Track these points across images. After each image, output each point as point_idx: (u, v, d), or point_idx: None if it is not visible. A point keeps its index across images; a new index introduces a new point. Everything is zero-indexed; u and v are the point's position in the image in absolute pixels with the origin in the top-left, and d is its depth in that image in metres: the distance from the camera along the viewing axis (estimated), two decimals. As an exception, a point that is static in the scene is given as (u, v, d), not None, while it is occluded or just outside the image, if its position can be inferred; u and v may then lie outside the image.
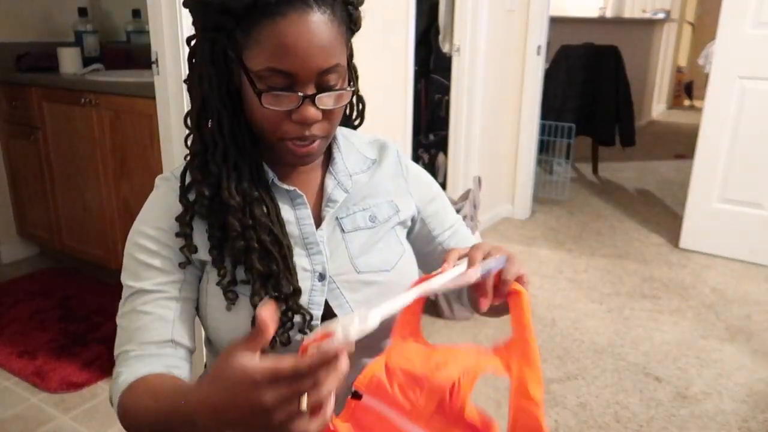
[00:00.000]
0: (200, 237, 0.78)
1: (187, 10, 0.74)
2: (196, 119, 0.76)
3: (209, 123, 0.76)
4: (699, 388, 1.95)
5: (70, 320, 2.28)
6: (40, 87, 2.42)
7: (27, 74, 2.52)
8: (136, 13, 2.76)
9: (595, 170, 4.57)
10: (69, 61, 2.53)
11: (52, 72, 2.58)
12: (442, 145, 3.21)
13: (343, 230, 0.83)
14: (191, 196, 0.77)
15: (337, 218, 0.83)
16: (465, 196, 2.42)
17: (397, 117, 2.50)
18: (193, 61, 0.77)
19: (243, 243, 0.75)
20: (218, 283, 0.77)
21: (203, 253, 0.78)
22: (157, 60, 1.58)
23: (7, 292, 2.53)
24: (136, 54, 2.68)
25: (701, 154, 3.00)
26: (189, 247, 0.77)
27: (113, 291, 2.51)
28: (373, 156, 0.88)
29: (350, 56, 0.80)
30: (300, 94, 0.70)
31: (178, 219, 0.78)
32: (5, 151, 2.74)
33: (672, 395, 1.91)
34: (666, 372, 2.04)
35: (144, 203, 0.86)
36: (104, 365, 1.99)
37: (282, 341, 0.76)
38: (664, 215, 3.65)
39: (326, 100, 0.72)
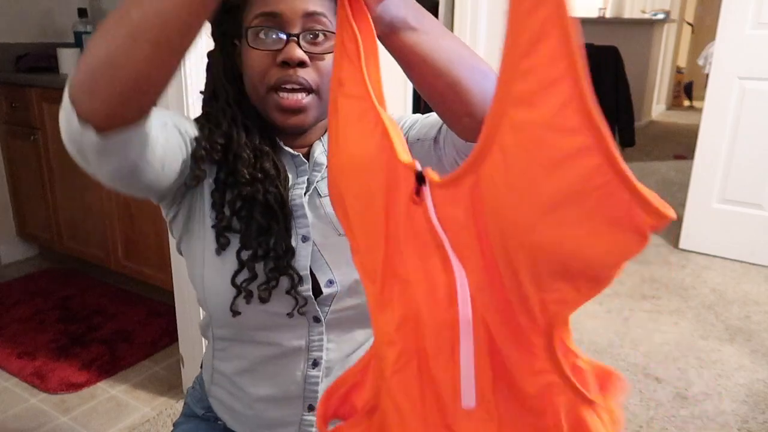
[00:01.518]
0: (206, 182, 0.80)
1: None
2: (208, 103, 0.81)
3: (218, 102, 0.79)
4: (699, 388, 1.95)
5: (69, 321, 2.28)
6: (40, 88, 2.42)
7: (27, 75, 2.52)
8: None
9: (594, 171, 4.56)
10: (69, 61, 2.53)
11: (52, 73, 2.58)
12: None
13: (320, 195, 0.83)
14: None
15: (315, 184, 0.83)
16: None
17: (396, 117, 2.50)
18: (210, 64, 0.82)
19: (249, 190, 0.76)
20: (213, 226, 0.78)
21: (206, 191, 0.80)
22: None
23: (7, 292, 2.53)
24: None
25: (701, 155, 3.00)
26: (193, 175, 0.76)
27: (113, 292, 2.52)
28: None
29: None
30: (285, 34, 0.73)
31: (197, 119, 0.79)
32: (5, 151, 2.74)
33: (672, 396, 1.91)
34: (666, 372, 2.04)
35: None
36: (104, 366, 1.99)
37: (262, 297, 0.76)
38: (663, 216, 3.65)
39: (312, 44, 0.74)
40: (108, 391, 1.88)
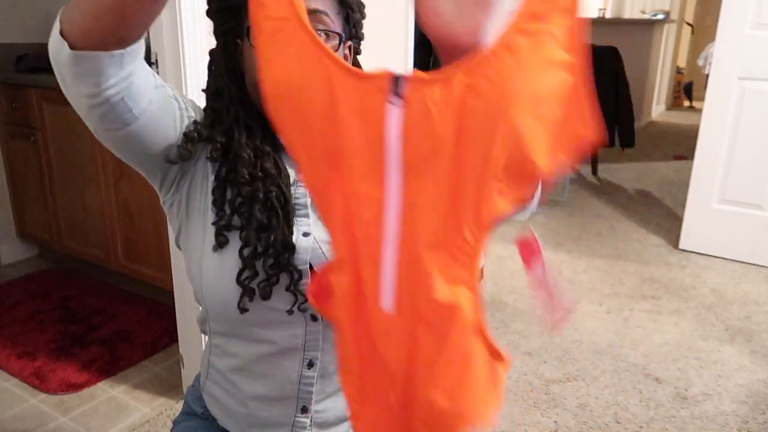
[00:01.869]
0: (207, 178, 0.81)
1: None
2: (210, 101, 0.81)
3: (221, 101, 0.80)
4: (699, 389, 1.95)
5: (69, 321, 2.28)
6: (40, 88, 2.42)
7: (27, 75, 2.52)
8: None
9: (594, 171, 4.57)
10: (68, 62, 2.53)
11: (52, 73, 2.57)
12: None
13: None
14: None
15: None
16: (465, 197, 2.42)
17: (396, 118, 2.50)
18: (211, 63, 0.82)
19: (249, 189, 0.77)
20: (214, 223, 0.78)
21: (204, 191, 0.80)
22: (156, 61, 1.58)
23: (7, 293, 2.53)
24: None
25: (701, 155, 3.00)
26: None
27: (113, 292, 2.52)
28: None
29: (352, 25, 0.82)
30: None
31: (185, 135, 0.78)
32: (5, 152, 2.74)
33: (672, 396, 1.91)
34: (666, 373, 2.04)
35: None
36: (104, 366, 1.99)
37: (262, 295, 0.77)
38: (663, 216, 3.66)
39: None
40: (108, 392, 1.88)
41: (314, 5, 0.73)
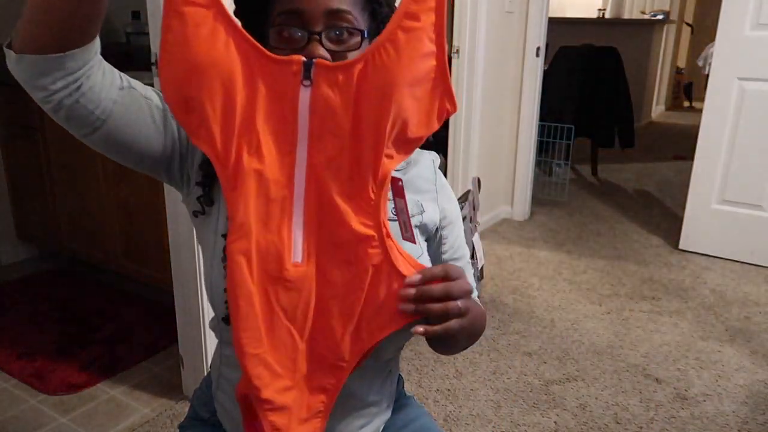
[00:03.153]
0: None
1: None
2: None
3: None
4: (699, 389, 1.95)
5: (69, 322, 2.28)
6: (40, 88, 2.42)
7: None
8: (136, 15, 2.76)
9: (594, 171, 4.57)
10: (68, 62, 2.53)
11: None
12: (441, 146, 3.21)
13: None
14: None
15: None
16: (464, 198, 2.42)
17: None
18: None
19: None
20: (224, 235, 0.77)
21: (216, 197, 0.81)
22: (156, 61, 1.58)
23: (6, 293, 2.53)
24: (135, 55, 2.68)
25: (701, 156, 3.00)
26: (205, 197, 0.80)
27: (113, 292, 2.51)
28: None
29: (380, 20, 0.81)
30: (307, 32, 0.73)
31: (202, 166, 0.79)
32: (4, 152, 2.74)
33: (672, 397, 1.91)
34: (666, 373, 2.04)
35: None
36: (104, 367, 1.99)
37: None
38: (663, 216, 3.66)
39: (336, 42, 0.74)
40: (108, 392, 1.88)
41: (335, 5, 0.72)
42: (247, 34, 0.66)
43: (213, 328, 0.90)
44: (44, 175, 2.57)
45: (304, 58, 0.67)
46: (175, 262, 1.73)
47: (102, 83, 0.70)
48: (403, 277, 0.68)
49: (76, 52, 0.65)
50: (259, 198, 0.68)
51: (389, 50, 0.65)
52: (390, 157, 0.68)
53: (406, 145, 0.69)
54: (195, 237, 1.62)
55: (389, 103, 0.65)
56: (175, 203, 1.66)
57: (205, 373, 1.74)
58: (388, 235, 0.70)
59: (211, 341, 1.74)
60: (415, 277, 0.68)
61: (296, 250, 0.69)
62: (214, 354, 0.93)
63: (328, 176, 0.68)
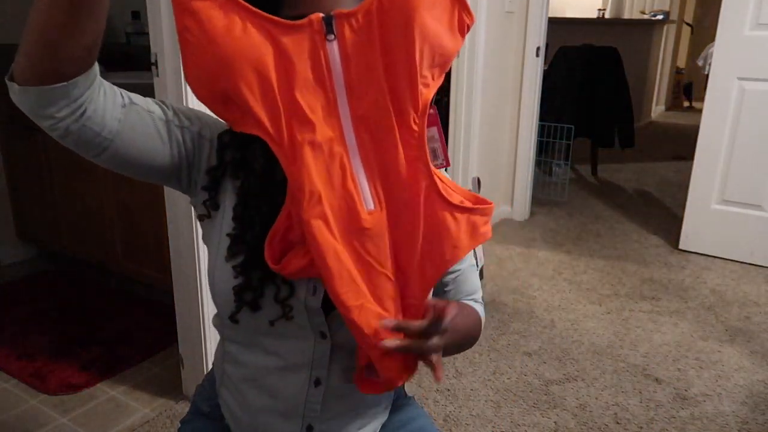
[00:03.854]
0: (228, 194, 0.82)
1: None
2: None
3: None
4: (699, 389, 1.95)
5: (69, 322, 2.28)
6: (40, 88, 2.42)
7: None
8: (136, 15, 2.76)
9: (594, 171, 4.57)
10: (68, 62, 2.53)
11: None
12: (441, 146, 3.21)
13: None
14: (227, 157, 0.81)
15: None
16: (464, 198, 2.42)
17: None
18: None
19: (256, 203, 0.78)
20: (228, 235, 0.79)
21: (228, 207, 0.81)
22: (156, 61, 1.58)
23: (6, 293, 2.53)
24: (135, 55, 2.69)
25: (700, 156, 3.00)
26: (210, 202, 0.81)
27: (112, 293, 2.52)
28: None
29: None
30: None
31: (209, 172, 0.80)
32: (5, 152, 2.74)
33: (672, 397, 1.91)
34: (665, 373, 2.04)
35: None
36: (104, 367, 1.99)
37: (252, 306, 0.78)
38: (663, 216, 3.66)
39: None
40: (107, 392, 1.88)
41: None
42: (258, 11, 0.66)
43: (216, 324, 0.91)
44: (44, 175, 2.57)
45: (322, 14, 0.67)
46: (175, 263, 1.73)
47: (105, 104, 0.70)
48: (449, 204, 0.72)
49: (78, 80, 0.65)
50: (318, 163, 0.69)
51: None
52: (426, 84, 0.69)
53: (438, 67, 0.70)
54: (195, 237, 1.62)
55: (412, 30, 0.66)
56: (175, 203, 1.66)
57: (205, 372, 1.75)
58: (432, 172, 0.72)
59: (210, 341, 1.74)
60: (391, 323, 0.69)
61: (366, 198, 0.71)
62: (217, 351, 0.93)
63: (374, 120, 0.70)
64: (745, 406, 1.87)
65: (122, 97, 0.73)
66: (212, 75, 0.67)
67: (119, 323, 2.27)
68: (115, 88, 0.73)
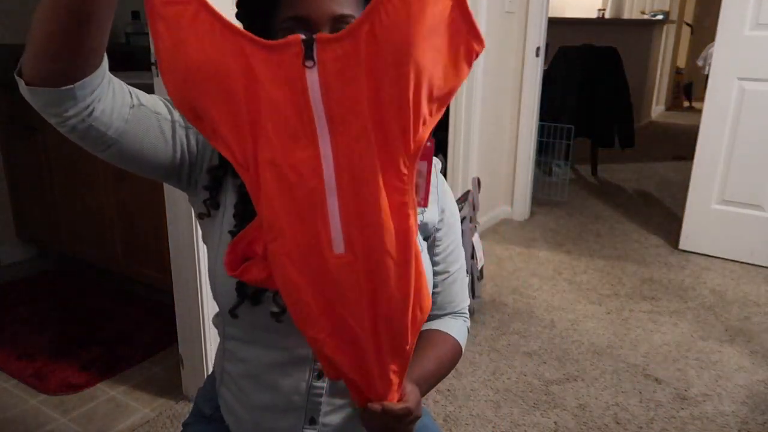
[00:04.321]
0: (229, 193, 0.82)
1: None
2: None
3: None
4: (699, 389, 1.95)
5: (69, 322, 2.28)
6: (40, 88, 2.41)
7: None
8: (136, 15, 2.76)
9: (594, 172, 4.57)
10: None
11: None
12: (441, 146, 3.21)
13: None
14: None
15: None
16: (464, 198, 2.42)
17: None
18: None
19: None
20: (230, 232, 0.80)
21: (228, 207, 0.82)
22: (156, 61, 1.58)
23: (6, 293, 2.53)
24: (135, 55, 2.68)
25: (700, 156, 3.00)
26: (211, 201, 0.81)
27: (112, 292, 2.51)
28: None
29: None
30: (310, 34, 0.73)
31: (210, 171, 0.81)
32: (5, 152, 2.74)
33: (671, 397, 1.91)
34: (665, 373, 2.04)
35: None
36: (104, 367, 1.99)
37: (252, 300, 0.79)
38: (663, 217, 3.66)
39: None
40: (107, 392, 1.88)
41: (340, 10, 0.72)
42: (233, 26, 0.61)
43: (216, 323, 0.91)
44: (44, 175, 2.57)
45: (303, 36, 0.61)
46: (175, 263, 1.73)
47: (113, 105, 0.70)
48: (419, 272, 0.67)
49: (85, 81, 0.65)
50: (283, 195, 0.64)
51: (396, 4, 0.57)
52: (424, 122, 0.62)
53: (437, 102, 0.62)
54: (195, 237, 1.62)
55: (407, 64, 0.58)
56: (175, 203, 1.66)
57: (205, 373, 1.75)
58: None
59: (210, 341, 1.74)
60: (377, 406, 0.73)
61: (336, 241, 0.65)
62: (217, 350, 0.93)
63: (357, 159, 0.62)
64: (745, 406, 1.87)
65: (131, 97, 0.73)
66: (182, 86, 0.62)
67: (119, 323, 2.27)
68: (125, 87, 0.73)
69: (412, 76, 0.58)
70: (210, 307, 1.70)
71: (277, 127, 0.62)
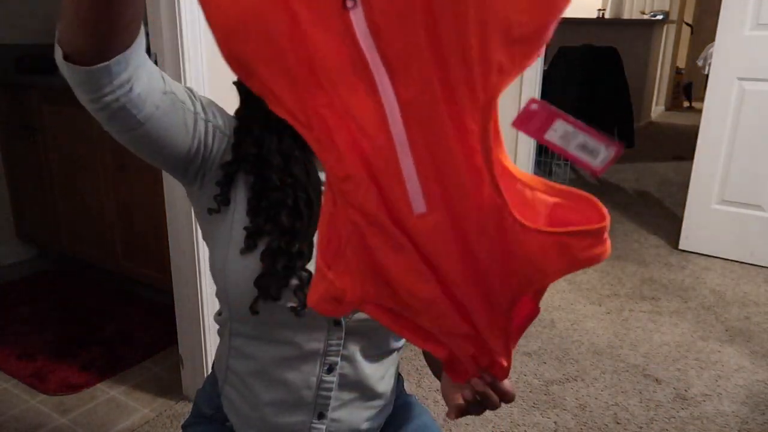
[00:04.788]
0: (241, 188, 0.81)
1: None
2: (244, 91, 0.81)
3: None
4: (698, 389, 1.95)
5: (68, 322, 2.28)
6: (40, 89, 2.42)
7: (27, 76, 2.52)
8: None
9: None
10: (68, 62, 2.53)
11: (52, 74, 2.57)
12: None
13: None
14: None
15: None
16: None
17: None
18: None
19: (278, 196, 0.78)
20: (245, 228, 0.79)
21: (240, 203, 0.81)
22: (156, 62, 1.58)
23: (6, 293, 2.53)
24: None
25: (700, 156, 3.00)
26: (223, 197, 0.80)
27: (112, 292, 2.51)
28: None
29: None
30: None
31: (223, 167, 0.80)
32: (4, 152, 2.74)
33: (671, 397, 1.91)
34: (665, 373, 2.04)
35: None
36: (104, 367, 1.99)
37: (273, 296, 0.78)
38: (663, 217, 3.66)
39: None
40: (107, 393, 1.88)
41: None
42: None
43: (220, 321, 0.90)
44: (44, 175, 2.57)
45: None
46: (175, 263, 1.72)
47: (148, 87, 0.68)
48: (527, 228, 0.54)
49: (120, 58, 0.63)
50: (355, 151, 0.55)
51: None
52: (500, 69, 0.48)
53: (521, 43, 0.47)
54: (195, 237, 1.62)
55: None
56: (175, 203, 1.66)
57: (205, 373, 1.75)
58: (507, 178, 0.54)
59: (210, 341, 1.74)
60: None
61: (416, 201, 0.56)
62: (220, 350, 0.93)
63: (425, 111, 0.53)
64: (745, 406, 1.87)
65: (164, 83, 0.72)
66: (228, 38, 0.54)
67: (119, 323, 2.27)
68: (157, 70, 0.71)
69: (473, 13, 0.46)
70: (210, 307, 1.70)
71: (334, 78, 0.53)
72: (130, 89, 0.66)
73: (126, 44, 0.63)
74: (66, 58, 0.62)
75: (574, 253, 0.54)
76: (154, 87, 0.70)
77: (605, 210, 0.53)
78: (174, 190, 1.64)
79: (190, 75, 1.53)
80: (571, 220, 0.54)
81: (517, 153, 3.50)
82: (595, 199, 0.54)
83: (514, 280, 0.58)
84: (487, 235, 0.56)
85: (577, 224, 0.54)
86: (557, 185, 0.55)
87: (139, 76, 0.66)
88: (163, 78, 0.72)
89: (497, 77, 0.48)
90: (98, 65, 0.62)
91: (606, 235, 0.53)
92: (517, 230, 0.54)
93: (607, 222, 0.53)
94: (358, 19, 0.50)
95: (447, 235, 0.57)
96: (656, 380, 2.00)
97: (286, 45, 0.52)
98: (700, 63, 4.31)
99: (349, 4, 0.50)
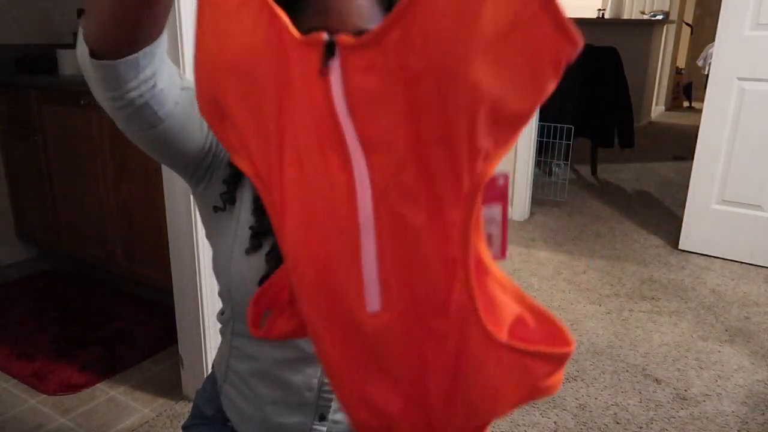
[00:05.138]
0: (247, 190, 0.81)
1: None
2: None
3: None
4: (698, 389, 1.95)
5: (68, 322, 2.28)
6: (40, 89, 2.42)
7: (26, 76, 2.52)
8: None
9: (593, 172, 4.57)
10: (68, 63, 2.53)
11: (52, 74, 2.57)
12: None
13: None
14: None
15: None
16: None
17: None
18: None
19: None
20: (251, 227, 0.79)
21: (246, 207, 0.81)
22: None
23: (6, 293, 2.53)
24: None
25: (700, 156, 3.00)
26: (229, 195, 0.80)
27: (112, 292, 2.52)
28: None
29: None
30: None
31: (231, 165, 0.80)
32: (4, 153, 2.74)
33: (671, 397, 1.91)
34: (665, 373, 2.04)
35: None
36: (104, 367, 1.99)
37: None
38: (663, 217, 3.66)
39: None
40: (107, 393, 1.88)
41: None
42: (283, 16, 0.48)
43: (222, 321, 0.90)
44: (44, 175, 2.57)
45: (326, 36, 0.46)
46: (174, 263, 1.73)
47: (170, 83, 0.68)
48: (491, 340, 0.48)
49: (147, 50, 0.63)
50: (313, 229, 0.50)
51: (436, 3, 0.40)
52: (486, 156, 0.44)
53: (507, 128, 0.44)
54: (195, 237, 1.62)
55: (454, 88, 0.41)
56: (175, 203, 1.66)
57: (205, 373, 1.75)
58: (481, 271, 0.48)
59: (210, 341, 1.74)
60: None
61: (371, 296, 0.50)
62: (221, 349, 0.93)
63: (399, 195, 0.47)
64: (745, 406, 1.87)
65: (181, 79, 0.72)
66: (210, 79, 0.52)
67: (119, 323, 2.27)
68: (175, 67, 0.71)
69: (463, 101, 0.42)
70: (210, 307, 1.70)
71: (309, 146, 0.48)
72: (154, 84, 0.66)
73: (153, 37, 0.63)
74: (92, 54, 0.62)
75: (534, 379, 0.49)
76: (175, 83, 0.70)
77: (572, 337, 0.49)
78: (174, 190, 1.64)
79: (190, 75, 1.52)
80: (531, 341, 0.49)
81: (517, 153, 3.50)
82: (562, 324, 0.49)
83: (459, 407, 0.51)
84: (445, 344, 0.50)
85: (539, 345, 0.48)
86: (529, 298, 0.50)
87: (162, 71, 0.66)
88: (180, 75, 0.72)
89: (483, 163, 0.44)
90: (126, 57, 0.62)
91: (561, 365, 0.49)
92: (480, 342, 0.48)
93: (572, 349, 0.49)
94: (337, 87, 0.46)
95: (397, 340, 0.51)
96: (656, 380, 2.00)
97: (272, 92, 0.49)
98: (700, 63, 4.32)
99: (324, 70, 0.46)
